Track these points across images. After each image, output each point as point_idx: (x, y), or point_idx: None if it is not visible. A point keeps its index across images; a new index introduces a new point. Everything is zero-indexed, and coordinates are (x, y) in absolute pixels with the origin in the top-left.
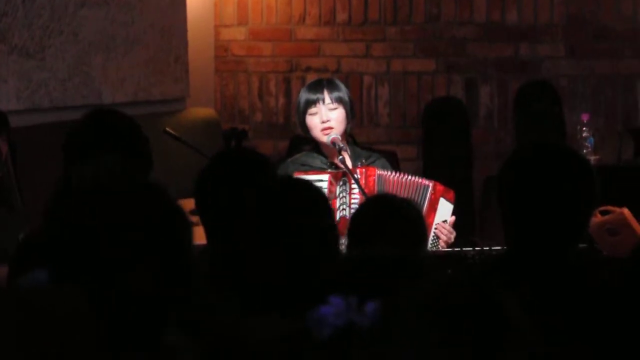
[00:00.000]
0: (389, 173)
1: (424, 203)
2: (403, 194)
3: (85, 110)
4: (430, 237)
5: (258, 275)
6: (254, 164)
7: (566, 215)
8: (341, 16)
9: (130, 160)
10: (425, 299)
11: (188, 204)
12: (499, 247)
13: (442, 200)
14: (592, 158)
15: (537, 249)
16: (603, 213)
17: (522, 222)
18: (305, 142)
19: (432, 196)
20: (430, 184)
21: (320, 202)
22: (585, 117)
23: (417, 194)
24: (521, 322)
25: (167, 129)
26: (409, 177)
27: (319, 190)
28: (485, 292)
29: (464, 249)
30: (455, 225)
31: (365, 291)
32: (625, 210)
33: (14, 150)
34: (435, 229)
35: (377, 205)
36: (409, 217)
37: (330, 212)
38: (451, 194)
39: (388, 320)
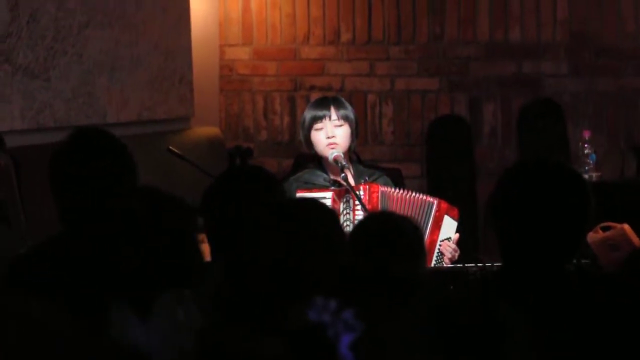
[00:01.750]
0: (393, 190)
1: (428, 220)
2: (407, 211)
3: None
4: (435, 254)
5: (258, 288)
6: (261, 182)
7: (559, 231)
8: (345, 36)
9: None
10: (423, 312)
11: None
12: (500, 264)
13: (446, 218)
14: (594, 175)
15: (534, 263)
16: (604, 229)
17: (518, 237)
18: (310, 160)
19: (437, 213)
20: (435, 202)
21: (327, 218)
22: (587, 134)
23: (421, 211)
24: (522, 335)
25: (171, 147)
26: (413, 194)
27: (327, 208)
28: (486, 307)
29: (466, 265)
30: (459, 242)
31: (347, 299)
32: (626, 226)
33: (17, 168)
34: (440, 246)
35: (375, 221)
36: (406, 233)
37: (338, 227)
38: (455, 211)
39: (385, 332)
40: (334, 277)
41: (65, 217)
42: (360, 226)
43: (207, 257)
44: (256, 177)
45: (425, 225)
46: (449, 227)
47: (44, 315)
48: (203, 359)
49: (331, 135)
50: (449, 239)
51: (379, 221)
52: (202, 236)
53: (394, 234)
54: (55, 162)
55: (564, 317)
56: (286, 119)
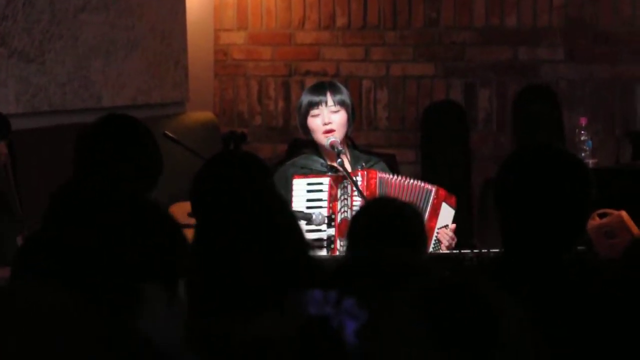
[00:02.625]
0: (391, 176)
1: (426, 207)
2: (405, 197)
3: (84, 113)
4: (432, 241)
5: (245, 274)
6: (249, 167)
7: (563, 217)
8: (340, 21)
9: (140, 167)
10: (417, 300)
11: (186, 206)
12: (497, 250)
13: (444, 205)
14: (590, 161)
15: (535, 252)
16: (601, 216)
17: (519, 225)
18: (305, 145)
19: (435, 201)
20: (433, 189)
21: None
22: (583, 121)
23: (419, 198)
24: (518, 324)
25: (167, 132)
26: (412, 180)
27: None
28: (476, 293)
29: (462, 251)
30: (455, 230)
31: (347, 289)
32: (623, 213)
33: (13, 155)
34: (437, 233)
35: (377, 208)
36: (408, 219)
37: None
38: (453, 199)
39: (380, 320)
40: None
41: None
42: (362, 212)
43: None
44: (245, 163)
45: (423, 212)
46: (447, 215)
47: (59, 303)
48: (196, 347)
49: (328, 121)
50: (446, 226)
51: (381, 207)
52: (192, 220)
53: (396, 220)
54: (82, 144)
55: (560, 307)
56: (281, 104)
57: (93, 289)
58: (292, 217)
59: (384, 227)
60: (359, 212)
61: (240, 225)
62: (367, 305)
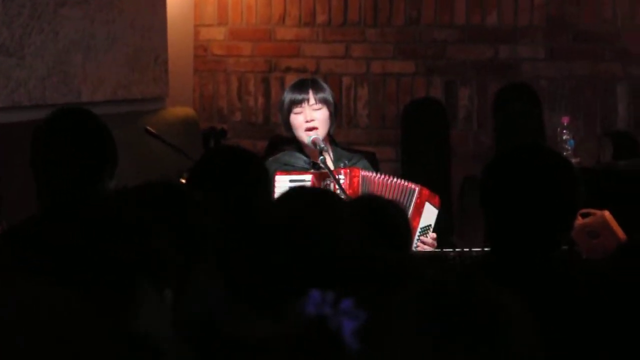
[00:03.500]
0: (374, 174)
1: (409, 206)
2: (388, 196)
3: None
4: (414, 242)
5: (242, 273)
6: (244, 162)
7: (550, 217)
8: (321, 17)
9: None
10: (418, 300)
11: None
12: (479, 249)
13: (427, 205)
14: (573, 160)
15: (520, 251)
16: (584, 215)
17: (506, 224)
18: (285, 141)
19: (418, 200)
20: (417, 188)
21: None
22: (565, 120)
23: (402, 197)
24: (519, 322)
25: (148, 127)
26: (395, 179)
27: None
28: (479, 292)
29: (444, 250)
30: (435, 238)
31: (344, 289)
32: (606, 213)
33: None
34: (419, 235)
35: (363, 206)
36: (394, 217)
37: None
38: (436, 198)
39: (380, 323)
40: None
41: (43, 196)
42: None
43: None
44: (241, 157)
45: (406, 211)
46: (430, 214)
47: (54, 301)
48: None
49: (310, 118)
50: (429, 226)
51: (367, 205)
52: None
53: (383, 218)
54: (36, 140)
55: (548, 307)
56: (260, 100)
57: (87, 286)
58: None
59: (370, 225)
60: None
61: (236, 223)
62: (365, 304)
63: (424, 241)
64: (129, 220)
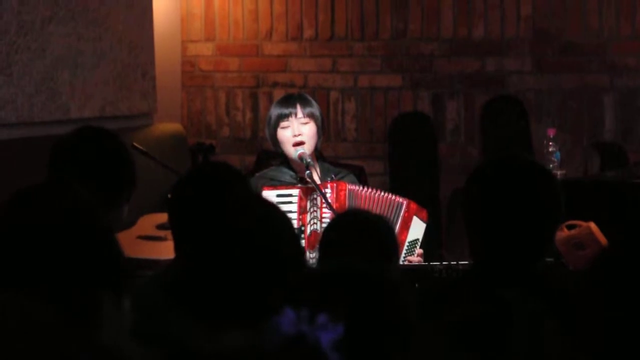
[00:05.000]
0: (361, 188)
1: (397, 221)
2: (375, 210)
3: (52, 125)
4: (401, 258)
5: (219, 288)
6: (228, 179)
7: (531, 228)
8: (308, 32)
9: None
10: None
11: (155, 218)
12: (466, 262)
13: (415, 219)
14: (559, 172)
15: (503, 263)
16: (570, 227)
17: (487, 236)
18: (273, 156)
19: (406, 214)
20: (405, 202)
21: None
22: (551, 132)
23: (390, 211)
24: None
25: (135, 144)
26: (382, 193)
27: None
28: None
29: (431, 263)
30: (421, 255)
31: (318, 304)
32: (592, 225)
33: None
34: (406, 254)
35: (349, 220)
36: (380, 231)
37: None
38: (424, 213)
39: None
40: (303, 281)
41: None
42: (333, 224)
43: (170, 254)
44: (225, 173)
45: (393, 225)
46: (418, 229)
47: (33, 309)
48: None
49: (297, 133)
50: (417, 240)
51: (352, 219)
52: (164, 233)
53: (368, 232)
54: (56, 159)
55: (535, 317)
56: (248, 116)
57: (53, 295)
58: (275, 230)
59: (355, 239)
60: (330, 224)
61: (219, 239)
62: (344, 317)
63: (410, 260)
64: (90, 226)
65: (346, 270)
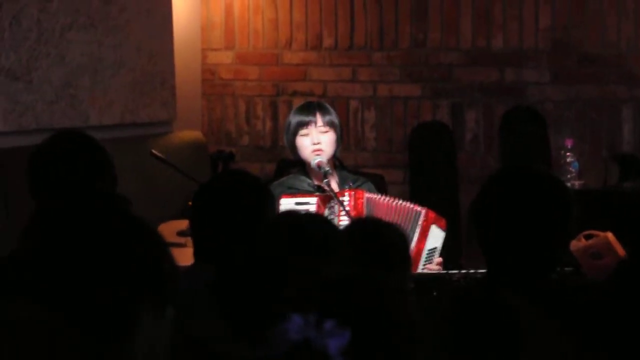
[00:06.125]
0: (379, 197)
1: (415, 229)
2: (393, 218)
3: None
4: (420, 266)
5: (241, 297)
6: (250, 188)
7: (540, 238)
8: (327, 41)
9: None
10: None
11: (175, 225)
12: (484, 271)
13: (433, 228)
14: (577, 183)
15: (511, 271)
16: (587, 237)
17: (496, 245)
18: (293, 165)
19: (424, 223)
20: (423, 211)
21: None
22: (569, 143)
23: (408, 220)
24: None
25: (154, 151)
26: (400, 202)
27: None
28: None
29: (449, 271)
30: (441, 263)
31: (326, 310)
32: (610, 235)
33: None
34: (425, 263)
35: (361, 227)
36: (391, 239)
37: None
38: (443, 221)
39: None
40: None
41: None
42: (345, 232)
43: (189, 260)
44: (246, 182)
45: (411, 233)
46: (436, 237)
47: (47, 321)
48: None
49: (317, 141)
50: (435, 248)
51: (364, 228)
52: (184, 239)
53: (379, 240)
54: (32, 163)
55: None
56: (268, 124)
57: (85, 311)
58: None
59: (366, 247)
60: (342, 233)
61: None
62: (352, 323)
63: (429, 268)
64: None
65: (353, 277)
